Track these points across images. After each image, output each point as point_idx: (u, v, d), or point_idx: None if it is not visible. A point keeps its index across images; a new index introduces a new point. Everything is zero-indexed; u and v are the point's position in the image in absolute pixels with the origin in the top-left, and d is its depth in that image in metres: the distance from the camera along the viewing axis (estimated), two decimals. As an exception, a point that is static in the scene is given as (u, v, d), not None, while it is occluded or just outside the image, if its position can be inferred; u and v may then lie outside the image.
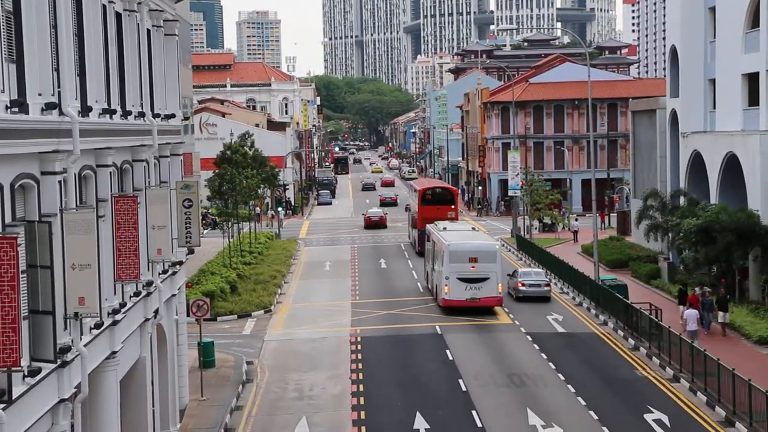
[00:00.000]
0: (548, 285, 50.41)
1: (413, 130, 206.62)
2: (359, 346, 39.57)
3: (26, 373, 15.49)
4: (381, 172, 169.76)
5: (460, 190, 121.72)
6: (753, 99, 47.11)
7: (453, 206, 66.33)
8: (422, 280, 55.54)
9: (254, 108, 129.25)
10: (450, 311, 45.89)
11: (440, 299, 47.18)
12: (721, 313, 39.24)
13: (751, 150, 44.22)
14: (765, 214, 42.47)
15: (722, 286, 41.52)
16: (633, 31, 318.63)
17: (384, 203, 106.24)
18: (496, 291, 46.07)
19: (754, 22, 46.83)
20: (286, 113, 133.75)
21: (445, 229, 51.27)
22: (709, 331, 39.13)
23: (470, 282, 45.79)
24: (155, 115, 25.49)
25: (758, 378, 28.37)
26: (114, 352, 20.67)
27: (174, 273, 28.27)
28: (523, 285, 49.48)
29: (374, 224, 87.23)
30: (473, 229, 54.83)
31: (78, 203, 18.40)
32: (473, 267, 45.95)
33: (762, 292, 42.39)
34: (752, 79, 47.07)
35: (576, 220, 76.76)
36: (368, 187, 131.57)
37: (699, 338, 36.30)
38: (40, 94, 16.12)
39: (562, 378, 33.75)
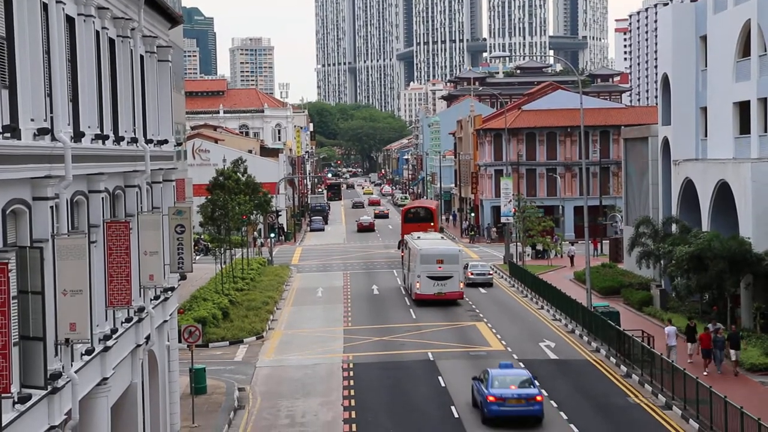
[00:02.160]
0: (491, 274, 65.25)
1: (406, 157, 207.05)
2: (351, 373, 39.45)
3: (16, 400, 15.40)
4: (372, 193, 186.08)
5: (452, 215, 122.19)
6: (744, 127, 47.34)
7: (432, 223, 74.78)
8: (414, 307, 55.87)
9: (247, 134, 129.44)
10: (422, 305, 55.83)
11: (413, 293, 57.43)
12: (733, 351, 37.19)
13: (742, 178, 44.36)
14: (757, 242, 42.57)
15: (714, 314, 41.56)
16: (625, 59, 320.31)
17: (377, 215, 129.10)
18: (458, 287, 56.63)
19: (745, 51, 47.11)
20: (279, 139, 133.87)
21: (419, 238, 62.86)
22: (720, 371, 37.27)
23: (437, 279, 56.31)
24: (148, 141, 25.50)
25: (753, 407, 28.30)
26: (105, 379, 20.58)
27: (166, 299, 28.18)
28: (471, 274, 63.59)
29: (365, 228, 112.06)
30: (442, 238, 65.23)
31: (70, 229, 18.36)
32: (440, 267, 56.34)
33: (754, 320, 42.42)
34: (743, 108, 47.32)
35: (572, 245, 77.07)
36: (358, 205, 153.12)
37: (677, 353, 37.87)
38: (32, 120, 16.13)
39: (555, 405, 33.65)
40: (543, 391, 33.12)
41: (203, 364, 37.40)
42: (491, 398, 31.27)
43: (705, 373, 36.26)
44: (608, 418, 32.14)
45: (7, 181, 15.26)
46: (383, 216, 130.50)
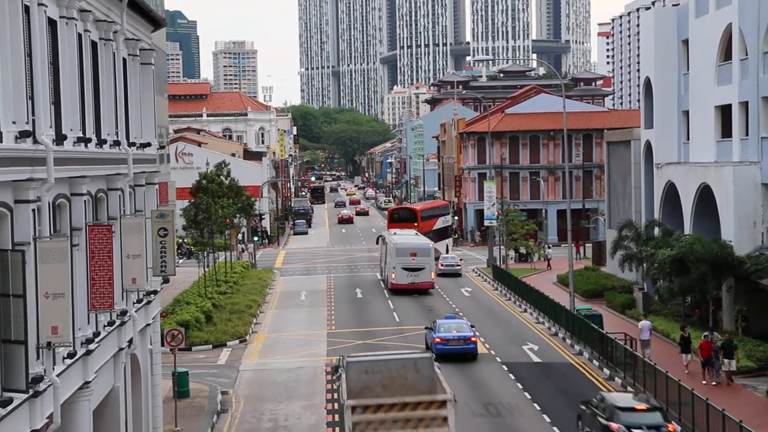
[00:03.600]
0: (459, 265, 72.93)
1: (389, 160, 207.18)
2: (335, 377, 39.37)
3: (-3, 403, 15.34)
4: (354, 194, 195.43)
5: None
6: (726, 131, 47.56)
7: (415, 223, 78.24)
8: (398, 310, 55.99)
9: (230, 137, 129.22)
10: (399, 294, 61.66)
11: (389, 284, 63.39)
12: (726, 361, 36.11)
13: (724, 181, 44.57)
14: (738, 245, 42.77)
15: (696, 317, 41.72)
16: (608, 62, 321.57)
17: (358, 213, 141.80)
18: (430, 277, 62.95)
19: (727, 54, 47.35)
20: (263, 143, 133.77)
21: (395, 233, 69.09)
22: (718, 380, 36.03)
23: (411, 270, 62.40)
24: (131, 144, 25.43)
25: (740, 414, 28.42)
26: (87, 382, 20.51)
27: (149, 302, 28.11)
28: (442, 265, 71.20)
29: (345, 220, 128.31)
30: (416, 234, 69.81)
31: (52, 232, 18.30)
32: (413, 260, 62.57)
33: (735, 323, 42.60)
34: (725, 111, 47.55)
35: (549, 248, 77.33)
36: (340, 204, 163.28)
37: (651, 348, 38.29)
38: (14, 122, 16.06)
39: (538, 408, 33.74)
40: (477, 333, 43.34)
41: (186, 368, 37.30)
42: (437, 340, 41.56)
43: (704, 383, 35.41)
44: (591, 421, 32.16)
45: (-12, 183, 15.20)
46: (363, 213, 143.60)
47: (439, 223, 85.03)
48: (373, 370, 27.76)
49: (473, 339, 41.80)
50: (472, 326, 43.39)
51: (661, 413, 28.10)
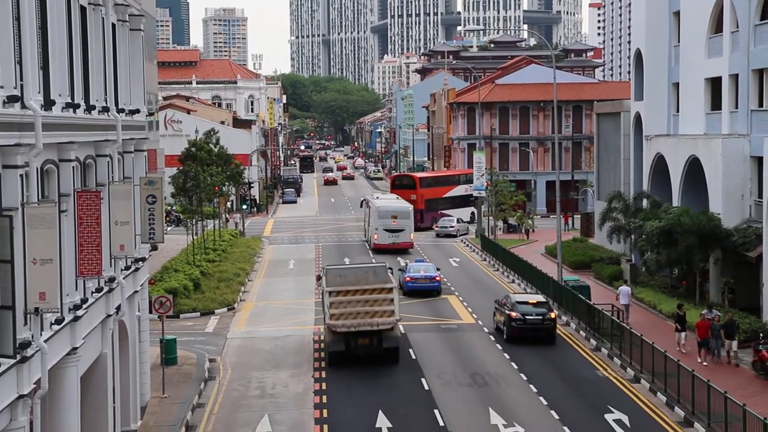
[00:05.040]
0: (453, 226, 78.12)
1: (379, 130, 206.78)
2: (323, 345, 39.49)
3: (-15, 368, 15.35)
4: (342, 161, 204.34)
5: None
6: (715, 103, 47.59)
7: (414, 189, 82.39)
8: None
9: (220, 105, 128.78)
10: (379, 252, 66.63)
11: (372, 244, 68.05)
12: (728, 342, 34.62)
13: (713, 154, 44.65)
14: (726, 217, 42.91)
15: (683, 288, 41.84)
16: (599, 34, 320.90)
17: (344, 178, 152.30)
18: (409, 238, 67.85)
19: (718, 27, 47.29)
20: (252, 111, 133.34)
21: (378, 198, 74.74)
22: (720, 361, 34.72)
23: (392, 232, 67.27)
24: (119, 110, 25.34)
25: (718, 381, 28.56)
26: (75, 348, 20.54)
27: (137, 269, 28.12)
28: (437, 227, 78.87)
29: (330, 182, 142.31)
30: (397, 198, 75.00)
31: (40, 197, 18.25)
32: (394, 222, 67.38)
33: (722, 295, 42.80)
34: (715, 84, 47.56)
35: (531, 219, 78.04)
36: (327, 170, 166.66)
37: (630, 312, 40.12)
38: (2, 87, 15.98)
39: (525, 378, 33.90)
40: (441, 275, 51.67)
41: (174, 335, 37.36)
42: (407, 278, 50.10)
43: (701, 363, 33.90)
44: (577, 391, 32.40)
45: (-24, 148, 15.13)
46: (349, 178, 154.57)
47: (457, 191, 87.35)
48: (344, 275, 37.29)
49: (437, 278, 50.66)
50: (437, 269, 52.00)
51: (546, 306, 40.12)
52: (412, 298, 49.18)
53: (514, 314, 39.09)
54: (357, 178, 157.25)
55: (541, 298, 42.03)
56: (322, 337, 40.47)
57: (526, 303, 39.82)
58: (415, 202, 78.53)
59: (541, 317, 39.25)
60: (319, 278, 41.30)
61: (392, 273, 38.20)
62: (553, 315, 39.53)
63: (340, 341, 35.54)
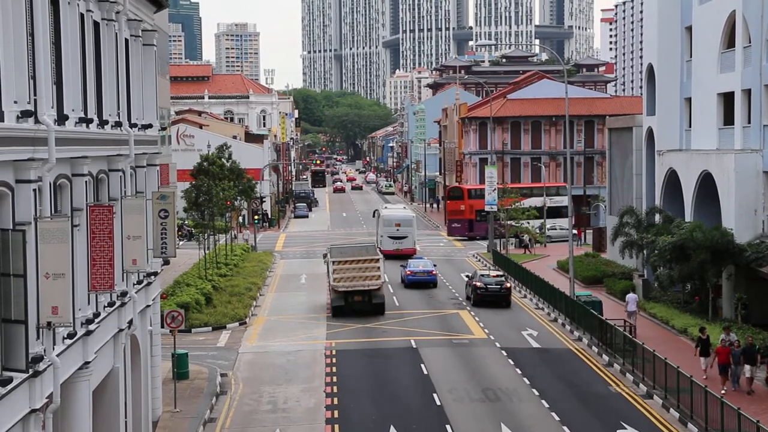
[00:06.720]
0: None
1: (391, 145, 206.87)
2: (334, 359, 39.48)
3: (-3, 383, 15.36)
4: (352, 173, 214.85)
5: (435, 202, 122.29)
6: (728, 118, 47.48)
7: (463, 199, 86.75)
8: (394, 287, 57.48)
9: (232, 120, 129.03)
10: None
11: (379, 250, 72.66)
12: (747, 367, 32.92)
13: (725, 169, 44.53)
14: (739, 233, 42.76)
15: (695, 303, 41.66)
16: (610, 49, 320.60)
17: (353, 188, 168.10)
18: (413, 245, 72.53)
19: (730, 42, 47.24)
20: (264, 126, 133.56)
21: (386, 207, 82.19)
22: (738, 386, 32.98)
23: (396, 239, 72.30)
24: (132, 125, 25.41)
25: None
26: (87, 363, 20.54)
27: (149, 284, 28.15)
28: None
29: (338, 190, 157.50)
30: (404, 208, 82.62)
31: (53, 212, 18.30)
32: (397, 229, 72.56)
33: (735, 310, 42.62)
34: (727, 99, 47.46)
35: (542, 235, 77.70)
36: (337, 181, 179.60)
37: (640, 326, 39.34)
38: (15, 102, 16.04)
39: (536, 393, 33.80)
40: (437, 269, 59.27)
41: (186, 350, 37.32)
42: (408, 272, 58.12)
43: (723, 391, 31.60)
44: (589, 407, 32.28)
45: (-11, 163, 15.18)
46: (358, 188, 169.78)
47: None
48: (344, 251, 50.82)
49: (433, 272, 58.38)
50: (434, 265, 59.95)
51: (504, 278, 53.13)
52: (423, 311, 49.19)
53: (478, 284, 51.28)
54: (366, 190, 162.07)
55: (500, 272, 54.88)
56: (335, 352, 40.50)
57: (488, 275, 52.69)
58: (463, 212, 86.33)
59: (498, 286, 51.16)
60: (325, 255, 52.25)
61: (381, 250, 51.75)
62: (508, 285, 51.77)
63: (341, 298, 48.25)
